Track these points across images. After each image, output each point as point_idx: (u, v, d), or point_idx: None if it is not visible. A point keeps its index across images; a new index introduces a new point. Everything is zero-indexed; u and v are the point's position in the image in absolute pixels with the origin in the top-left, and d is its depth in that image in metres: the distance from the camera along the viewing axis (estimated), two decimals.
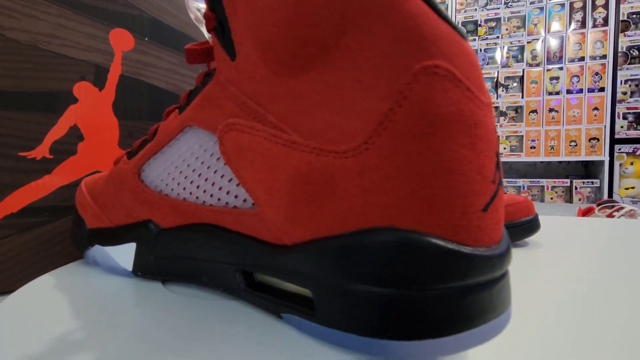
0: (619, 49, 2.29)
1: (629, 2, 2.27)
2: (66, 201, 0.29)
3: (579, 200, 2.39)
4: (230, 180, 0.16)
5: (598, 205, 0.97)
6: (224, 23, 0.15)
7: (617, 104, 2.31)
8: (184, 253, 0.19)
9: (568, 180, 2.44)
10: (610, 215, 0.92)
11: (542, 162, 2.61)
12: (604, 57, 2.30)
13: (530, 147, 2.45)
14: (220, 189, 0.17)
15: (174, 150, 0.19)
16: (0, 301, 0.26)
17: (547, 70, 2.40)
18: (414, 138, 0.11)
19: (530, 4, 2.41)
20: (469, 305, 0.11)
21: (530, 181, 2.49)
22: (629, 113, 2.31)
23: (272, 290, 0.16)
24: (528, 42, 2.43)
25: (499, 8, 2.47)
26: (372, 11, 0.11)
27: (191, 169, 0.18)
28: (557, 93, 2.39)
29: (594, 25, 2.32)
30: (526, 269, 0.32)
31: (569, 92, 2.37)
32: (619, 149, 2.34)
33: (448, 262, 0.11)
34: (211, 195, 0.17)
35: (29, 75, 0.28)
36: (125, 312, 0.17)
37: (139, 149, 0.22)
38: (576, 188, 2.41)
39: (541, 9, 2.40)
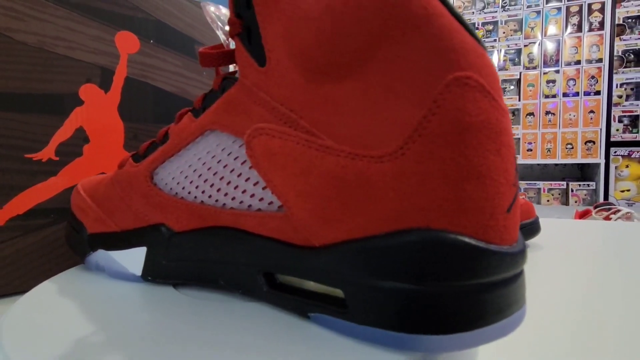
0: (615, 53, 2.31)
1: (624, 7, 2.30)
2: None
3: (575, 202, 2.41)
4: (255, 184, 0.16)
5: (595, 207, 0.98)
6: (252, 29, 0.15)
7: (612, 107, 2.33)
8: (200, 256, 0.19)
9: (564, 183, 2.46)
10: (607, 218, 0.93)
11: (538, 164, 2.63)
12: (600, 60, 2.32)
13: (527, 150, 2.47)
14: (243, 192, 0.17)
15: (193, 153, 0.19)
16: (6, 303, 0.26)
17: (544, 73, 2.42)
18: (447, 145, 0.12)
19: (527, 7, 2.43)
20: (496, 299, 0.12)
21: (527, 183, 2.50)
22: (625, 116, 2.33)
23: (297, 290, 0.16)
24: (525, 46, 2.45)
25: (496, 11, 2.49)
26: (408, 25, 0.12)
27: (212, 172, 0.18)
28: (554, 96, 2.41)
29: (590, 29, 2.34)
30: (528, 272, 0.33)
31: (565, 95, 2.39)
32: (615, 152, 2.36)
33: (480, 260, 0.12)
34: (233, 198, 0.17)
35: (36, 77, 0.28)
36: (139, 315, 0.17)
37: (147, 152, 0.21)
38: (572, 190, 2.42)
39: (538, 12, 2.41)
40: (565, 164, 2.60)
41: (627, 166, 2.36)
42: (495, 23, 2.49)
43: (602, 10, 2.31)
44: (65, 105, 0.29)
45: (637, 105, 2.32)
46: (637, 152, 2.34)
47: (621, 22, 2.31)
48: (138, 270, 0.21)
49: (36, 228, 0.28)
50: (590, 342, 0.20)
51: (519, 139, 2.48)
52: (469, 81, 0.12)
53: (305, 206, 0.14)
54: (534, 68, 2.44)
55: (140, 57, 0.33)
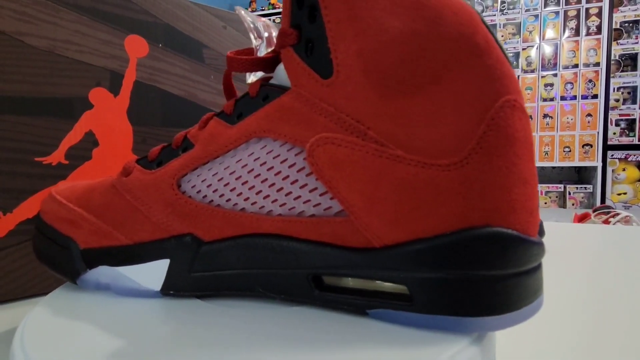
0: (612, 57, 2.33)
1: (621, 11, 2.32)
2: None
3: (572, 205, 2.43)
4: (312, 190, 0.17)
5: (594, 211, 0.98)
6: (315, 43, 0.16)
7: (609, 111, 2.35)
8: (234, 265, 0.18)
9: (562, 185, 2.47)
10: (606, 222, 0.93)
11: (536, 167, 2.64)
12: (597, 64, 2.34)
13: None
14: (296, 198, 0.17)
15: (235, 160, 0.18)
16: (20, 306, 0.26)
17: (542, 76, 2.44)
18: (501, 156, 0.15)
19: (525, 11, 2.45)
20: (532, 283, 0.15)
21: None
22: (622, 120, 2.35)
23: (349, 290, 0.17)
24: (523, 49, 2.46)
25: (494, 15, 2.51)
26: (474, 53, 0.14)
27: (259, 179, 0.18)
28: (552, 99, 2.42)
29: (588, 33, 2.36)
30: None
31: (563, 98, 2.41)
32: (612, 155, 2.38)
33: (527, 250, 0.14)
34: (282, 205, 0.18)
35: (46, 81, 0.28)
36: (161, 319, 0.17)
37: (161, 158, 0.20)
38: (570, 193, 2.44)
39: (536, 16, 2.43)
40: (562, 167, 2.61)
41: (623, 169, 2.38)
42: (493, 26, 2.50)
43: (599, 14, 2.33)
44: (75, 109, 0.29)
45: (634, 109, 2.34)
46: (634, 155, 2.36)
47: (618, 26, 2.33)
48: (156, 285, 0.20)
49: None
50: (594, 346, 0.20)
51: None
52: (515, 103, 0.15)
53: (374, 211, 0.16)
54: (532, 71, 2.45)
55: (148, 61, 0.33)
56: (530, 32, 2.45)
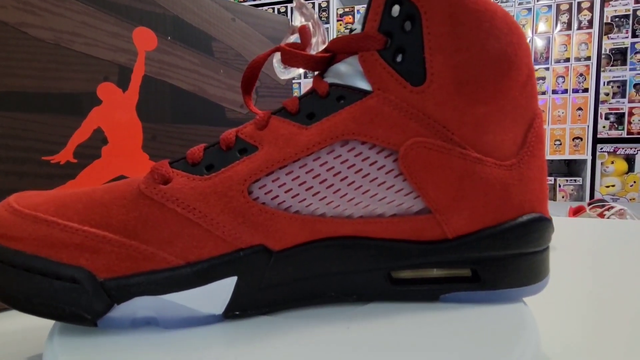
0: (603, 51, 2.35)
1: (612, 6, 2.34)
2: None
3: (563, 197, 2.47)
4: (398, 191, 0.18)
5: (589, 204, 1.00)
6: (407, 51, 0.17)
7: (599, 105, 2.39)
8: (306, 273, 0.18)
9: (552, 178, 2.51)
10: (601, 215, 0.95)
11: None
12: (588, 58, 2.37)
13: None
14: (381, 199, 0.18)
15: (318, 162, 0.17)
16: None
17: (534, 70, 2.46)
18: (536, 156, 0.19)
19: (518, 4, 2.46)
20: (548, 258, 0.20)
21: None
22: (611, 113, 2.39)
23: (421, 280, 0.19)
24: None
25: None
26: (529, 75, 0.19)
27: (345, 182, 0.17)
28: (543, 93, 2.44)
29: (579, 27, 2.38)
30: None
31: (554, 92, 2.43)
32: (601, 148, 2.42)
33: (551, 230, 0.19)
34: (365, 207, 0.18)
35: (53, 75, 0.27)
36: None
37: (207, 161, 0.18)
38: (560, 186, 2.48)
39: (529, 9, 2.44)
40: (552, 160, 2.65)
41: (612, 162, 2.42)
42: None
43: (591, 8, 2.35)
44: (82, 105, 0.28)
45: (623, 102, 2.37)
46: (622, 148, 2.40)
47: (609, 20, 2.35)
48: (218, 308, 0.17)
49: None
50: (596, 340, 0.20)
51: None
52: (540, 114, 0.19)
53: (457, 207, 0.18)
54: None
55: (157, 55, 0.32)
56: (523, 25, 2.46)
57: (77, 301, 0.16)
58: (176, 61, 0.33)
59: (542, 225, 0.18)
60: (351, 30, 0.19)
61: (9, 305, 0.16)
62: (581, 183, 2.45)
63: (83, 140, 0.28)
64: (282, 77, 0.20)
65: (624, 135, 2.38)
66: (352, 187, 0.17)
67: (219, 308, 0.17)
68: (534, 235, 0.18)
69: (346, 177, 0.17)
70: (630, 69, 2.33)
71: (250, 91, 0.20)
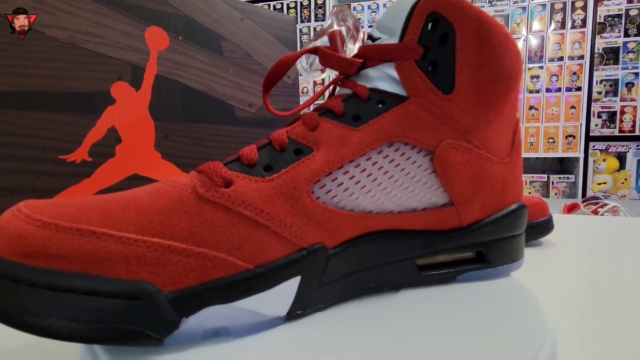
0: (596, 50, 2.38)
1: (605, 5, 2.36)
2: None
3: (555, 195, 2.50)
4: (430, 187, 0.20)
5: (584, 202, 1.01)
6: (440, 63, 0.20)
7: (592, 103, 2.42)
8: (355, 268, 0.19)
9: (545, 176, 2.54)
10: (595, 212, 0.97)
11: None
12: (582, 57, 2.39)
13: None
14: (417, 195, 0.20)
15: (370, 162, 0.19)
16: None
17: (529, 69, 2.48)
18: (519, 155, 0.23)
19: (513, 3, 2.47)
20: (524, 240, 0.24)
21: None
22: (603, 112, 2.42)
23: (442, 265, 0.22)
24: None
25: (483, 6, 2.52)
26: (519, 88, 0.22)
27: (392, 180, 0.19)
28: (537, 91, 2.47)
29: (573, 26, 2.40)
30: (548, 269, 0.34)
31: (548, 90, 2.46)
32: (593, 146, 2.45)
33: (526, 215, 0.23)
34: (403, 202, 0.20)
35: (69, 75, 0.27)
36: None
37: (265, 162, 0.18)
38: (553, 183, 2.51)
39: (524, 8, 2.46)
40: (545, 158, 2.68)
41: (604, 160, 2.46)
42: None
43: (584, 7, 2.37)
44: (97, 104, 0.28)
45: (615, 101, 2.41)
46: (614, 146, 2.44)
47: (602, 20, 2.38)
48: (282, 309, 0.17)
49: None
50: (594, 340, 0.21)
51: None
52: (519, 121, 0.23)
53: (473, 200, 0.21)
54: None
55: (169, 54, 0.32)
56: (518, 24, 2.48)
57: (141, 320, 0.14)
58: (187, 61, 0.33)
59: (524, 211, 0.23)
60: (372, 38, 0.20)
61: (53, 337, 0.13)
62: (574, 180, 2.49)
63: (98, 139, 0.28)
64: (307, 78, 0.20)
65: (616, 133, 2.42)
66: (396, 185, 0.19)
67: (284, 309, 0.17)
68: (519, 220, 0.22)
69: (392, 176, 0.19)
70: (623, 68, 2.37)
71: (270, 89, 0.21)
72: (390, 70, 0.20)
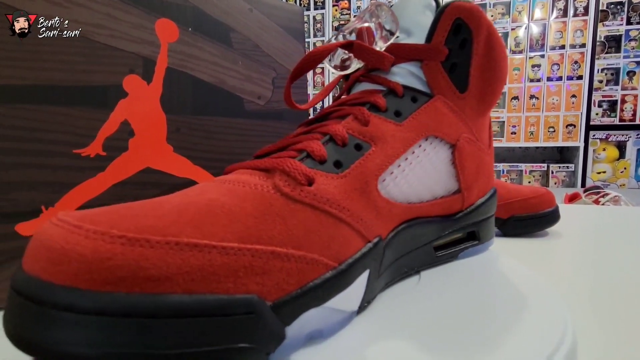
0: (598, 38, 2.36)
1: None
2: (121, 199, 0.29)
3: (555, 184, 2.51)
4: (450, 176, 0.23)
5: (585, 191, 1.02)
6: (458, 64, 0.22)
7: (593, 92, 2.41)
8: (396, 256, 0.20)
9: (545, 165, 2.54)
10: (597, 202, 0.97)
11: (520, 147, 2.70)
12: (584, 45, 2.38)
13: (511, 133, 2.53)
14: (441, 184, 0.22)
15: (415, 155, 0.20)
16: None
17: (530, 57, 2.46)
18: (493, 145, 0.26)
19: None
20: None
21: (509, 165, 2.58)
22: (604, 101, 2.42)
23: (447, 245, 0.24)
24: (512, 29, 2.47)
25: None
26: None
27: (427, 172, 0.21)
28: (538, 80, 2.46)
29: (575, 14, 2.38)
30: (559, 259, 0.34)
31: (549, 79, 2.44)
32: (593, 135, 2.45)
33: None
34: (431, 191, 0.22)
35: (81, 68, 0.27)
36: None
37: (333, 157, 0.17)
38: (552, 172, 2.52)
39: None
40: (545, 147, 2.68)
41: (604, 149, 2.46)
42: (484, 6, 2.49)
43: None
44: (109, 98, 0.28)
45: (616, 90, 2.40)
46: (614, 135, 2.44)
47: (604, 8, 2.35)
48: (356, 304, 0.16)
49: None
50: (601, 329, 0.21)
51: (504, 122, 2.54)
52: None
53: (474, 187, 0.24)
54: (520, 52, 2.47)
55: (179, 46, 0.32)
56: (520, 12, 2.46)
57: (254, 335, 0.12)
58: (197, 53, 0.33)
59: (496, 195, 0.27)
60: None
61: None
62: (573, 170, 2.49)
63: (111, 133, 0.28)
64: (336, 72, 0.21)
65: (616, 122, 2.42)
66: (431, 175, 0.21)
67: (357, 304, 0.17)
68: (495, 203, 0.26)
69: (428, 167, 0.21)
70: (624, 57, 2.35)
71: (296, 80, 0.21)
72: (413, 68, 0.21)
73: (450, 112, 0.22)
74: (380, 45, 0.20)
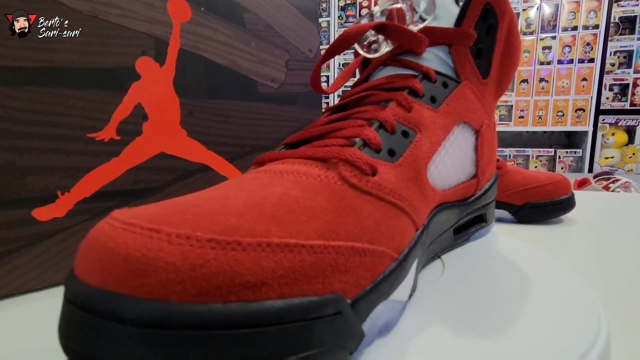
0: (612, 19, 2.30)
1: None
2: (136, 184, 0.28)
3: (562, 169, 2.49)
4: (472, 162, 0.23)
5: (595, 177, 1.01)
6: (483, 50, 0.22)
7: (605, 75, 2.36)
8: (430, 241, 0.20)
9: (552, 150, 2.52)
10: (607, 187, 0.96)
11: (527, 131, 2.67)
12: (597, 27, 2.31)
13: (519, 117, 2.49)
14: (464, 169, 0.22)
15: (449, 142, 0.20)
16: None
17: (540, 39, 2.40)
18: (491, 131, 0.24)
19: None
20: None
21: (516, 150, 2.55)
22: (615, 84, 2.37)
23: (462, 228, 0.25)
24: (523, 10, 2.40)
25: None
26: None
27: (458, 159, 0.21)
28: (549, 63, 2.40)
29: None
30: (577, 246, 0.34)
31: (559, 62, 2.39)
32: (603, 120, 2.41)
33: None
34: (458, 176, 0.22)
35: (93, 50, 0.26)
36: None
37: (386, 145, 0.17)
38: (559, 157, 2.49)
39: None
40: (552, 131, 2.65)
41: (613, 134, 2.42)
42: None
43: None
44: (122, 80, 0.28)
45: (629, 73, 2.35)
46: (624, 120, 2.40)
47: None
48: (407, 294, 0.16)
49: (103, 211, 0.27)
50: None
51: (512, 106, 2.50)
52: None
53: (487, 170, 0.24)
54: (531, 33, 2.41)
55: (192, 27, 0.31)
56: None
57: (340, 337, 0.12)
58: (210, 33, 0.32)
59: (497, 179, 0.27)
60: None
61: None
62: (581, 155, 2.47)
63: (124, 116, 0.28)
64: (368, 56, 0.20)
65: (627, 106, 2.37)
66: (461, 162, 0.21)
67: (408, 293, 0.16)
68: (497, 186, 0.28)
69: (459, 153, 0.21)
70: (638, 39, 2.29)
71: (328, 60, 0.20)
72: (441, 53, 0.21)
73: (475, 98, 0.22)
74: (412, 28, 0.19)
